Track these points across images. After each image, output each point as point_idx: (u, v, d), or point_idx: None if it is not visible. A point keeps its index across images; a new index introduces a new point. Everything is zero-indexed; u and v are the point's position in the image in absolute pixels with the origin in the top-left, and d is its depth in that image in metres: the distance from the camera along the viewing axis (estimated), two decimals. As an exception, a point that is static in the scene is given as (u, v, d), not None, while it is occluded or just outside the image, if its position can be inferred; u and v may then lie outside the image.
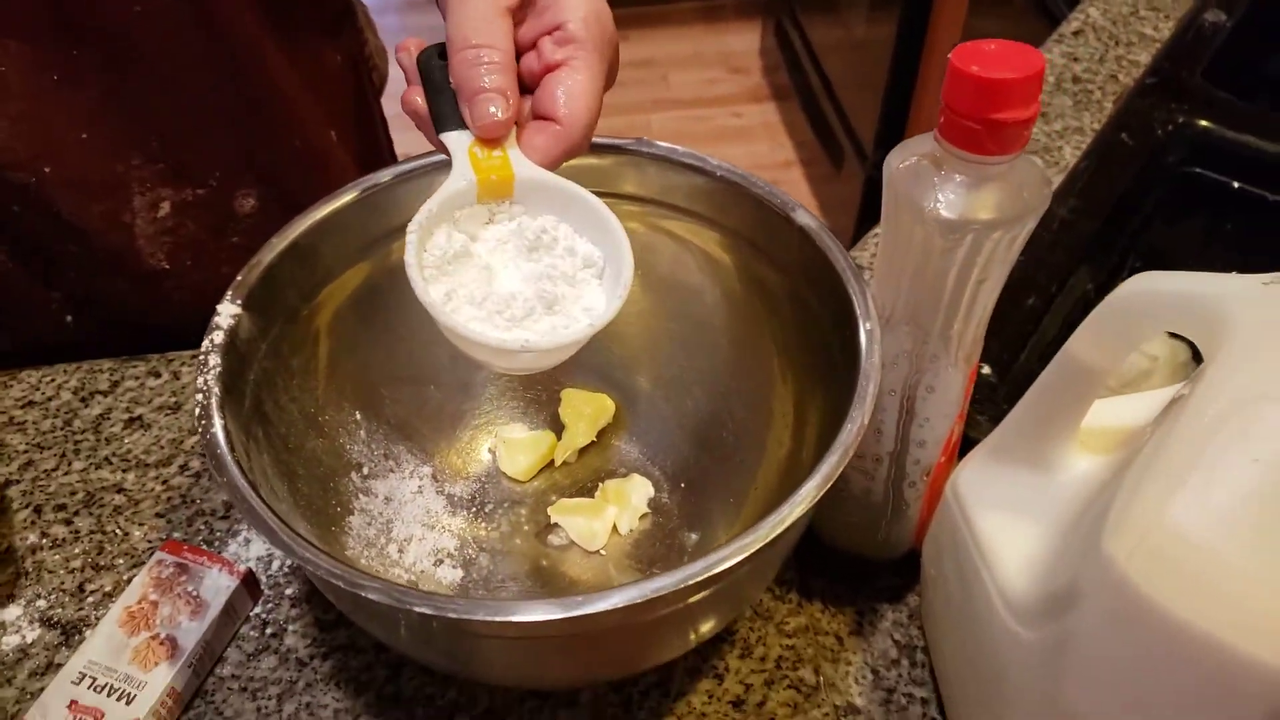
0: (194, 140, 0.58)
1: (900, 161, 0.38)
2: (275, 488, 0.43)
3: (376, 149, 0.73)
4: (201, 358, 0.42)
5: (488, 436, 0.57)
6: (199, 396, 0.40)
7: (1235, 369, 0.31)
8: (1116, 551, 0.31)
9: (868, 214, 1.88)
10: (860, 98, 1.87)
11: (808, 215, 0.46)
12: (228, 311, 0.43)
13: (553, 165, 0.39)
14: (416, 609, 0.34)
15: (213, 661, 0.48)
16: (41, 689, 0.46)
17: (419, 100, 0.40)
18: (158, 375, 0.62)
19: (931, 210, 0.36)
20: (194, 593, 0.48)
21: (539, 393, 0.58)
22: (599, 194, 0.39)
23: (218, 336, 0.42)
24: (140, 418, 0.59)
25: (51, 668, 0.48)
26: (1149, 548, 0.30)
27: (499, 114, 0.38)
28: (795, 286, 0.48)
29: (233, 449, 0.39)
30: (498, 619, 0.35)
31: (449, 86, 0.39)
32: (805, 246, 0.46)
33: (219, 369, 0.41)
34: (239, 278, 0.45)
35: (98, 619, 0.49)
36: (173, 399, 0.60)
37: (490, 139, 0.39)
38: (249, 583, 0.49)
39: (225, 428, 0.40)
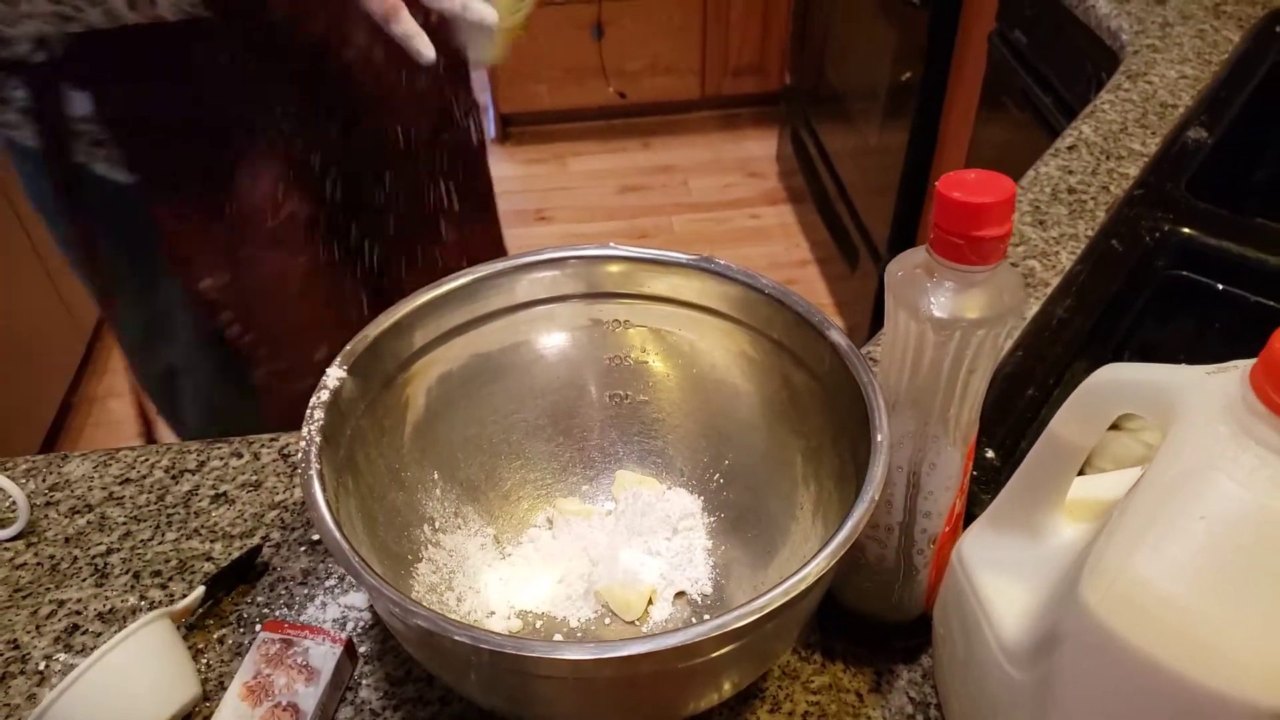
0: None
1: (899, 270, 0.45)
2: (357, 529, 0.50)
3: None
4: (309, 412, 0.49)
5: (546, 506, 0.63)
6: (302, 444, 0.47)
7: (1185, 444, 0.37)
8: (1090, 597, 0.36)
9: (883, 311, 1.95)
10: (873, 201, 1.96)
11: (840, 335, 0.53)
12: (335, 374, 0.51)
13: None
14: (465, 641, 0.40)
15: (328, 724, 0.53)
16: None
17: None
18: (240, 456, 0.69)
19: (926, 311, 0.43)
20: (304, 662, 0.52)
21: (596, 471, 0.65)
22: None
23: (324, 395, 0.50)
24: (225, 494, 0.66)
25: None
26: (1116, 593, 0.36)
27: None
28: (824, 390, 0.54)
29: (324, 489, 0.46)
30: (548, 656, 0.40)
31: None
32: (834, 359, 0.52)
33: (321, 422, 0.48)
34: (348, 347, 0.52)
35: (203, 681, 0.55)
36: (254, 477, 0.67)
37: None
38: (349, 650, 0.54)
39: (320, 473, 0.46)
